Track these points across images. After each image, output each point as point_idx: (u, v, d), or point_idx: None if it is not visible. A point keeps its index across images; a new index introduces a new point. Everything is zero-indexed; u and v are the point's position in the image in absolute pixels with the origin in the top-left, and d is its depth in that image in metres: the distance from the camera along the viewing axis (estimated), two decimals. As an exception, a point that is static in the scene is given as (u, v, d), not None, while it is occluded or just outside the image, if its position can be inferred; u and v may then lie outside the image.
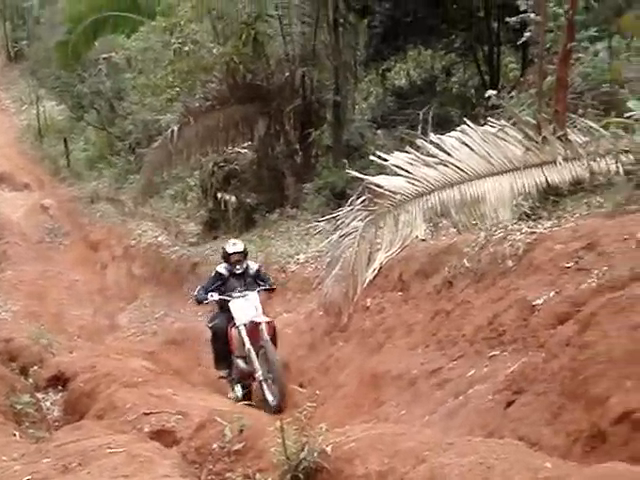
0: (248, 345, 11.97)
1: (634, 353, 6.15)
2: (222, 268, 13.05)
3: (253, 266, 13.25)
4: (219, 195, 21.84)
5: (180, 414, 9.33)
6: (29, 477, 6.61)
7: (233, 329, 12.35)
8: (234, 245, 13.23)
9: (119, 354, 13.92)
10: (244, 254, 13.13)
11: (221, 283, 12.87)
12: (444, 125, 15.48)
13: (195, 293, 13.19)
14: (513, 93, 15.88)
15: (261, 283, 13.04)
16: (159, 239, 25.03)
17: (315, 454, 5.68)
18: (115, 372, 11.54)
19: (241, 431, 6.80)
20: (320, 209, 18.31)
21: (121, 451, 7.03)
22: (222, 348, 12.69)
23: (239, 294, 12.51)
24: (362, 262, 11.51)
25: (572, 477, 4.16)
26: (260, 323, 12.07)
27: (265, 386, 11.78)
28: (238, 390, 12.30)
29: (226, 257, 13.11)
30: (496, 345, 8.96)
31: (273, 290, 13.40)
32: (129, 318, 21.57)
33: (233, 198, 21.54)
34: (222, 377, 13.08)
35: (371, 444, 5.55)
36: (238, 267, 12.89)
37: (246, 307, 12.33)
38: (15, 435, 8.70)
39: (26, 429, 9.43)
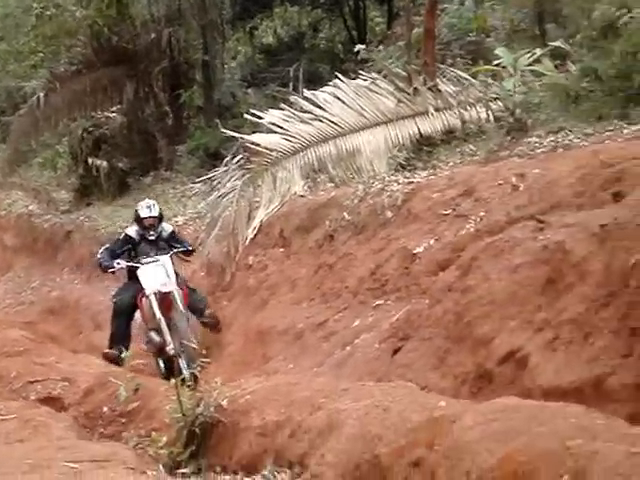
0: (159, 315, 10.43)
1: (515, 294, 6.36)
2: (132, 231, 11.40)
3: (167, 228, 11.63)
4: (90, 161, 21.32)
5: (66, 381, 9.21)
6: None
7: (144, 299, 10.74)
8: (148, 209, 11.43)
9: (-3, 326, 13.62)
10: (159, 219, 11.51)
11: (131, 247, 11.30)
12: (315, 81, 15.57)
13: (99, 256, 11.37)
14: (381, 47, 16.00)
15: (177, 246, 11.35)
16: (30, 208, 24.43)
17: (211, 409, 5.72)
18: (-5, 344, 11.29)
19: (136, 390, 6.75)
20: (195, 170, 18.15)
21: (13, 417, 6.96)
22: (122, 325, 11.16)
23: (149, 259, 10.95)
24: (242, 221, 11.54)
25: (468, 413, 4.27)
26: (171, 292, 10.60)
27: (179, 361, 10.35)
28: (161, 365, 10.80)
29: (138, 220, 11.39)
30: (380, 295, 9.13)
31: (191, 252, 11.54)
32: (4, 289, 21.07)
33: (104, 163, 21.10)
34: (107, 354, 10.96)
35: (266, 395, 5.62)
36: (152, 232, 11.25)
37: (156, 273, 10.74)
38: None
39: None
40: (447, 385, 6.45)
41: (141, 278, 10.74)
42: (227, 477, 5.57)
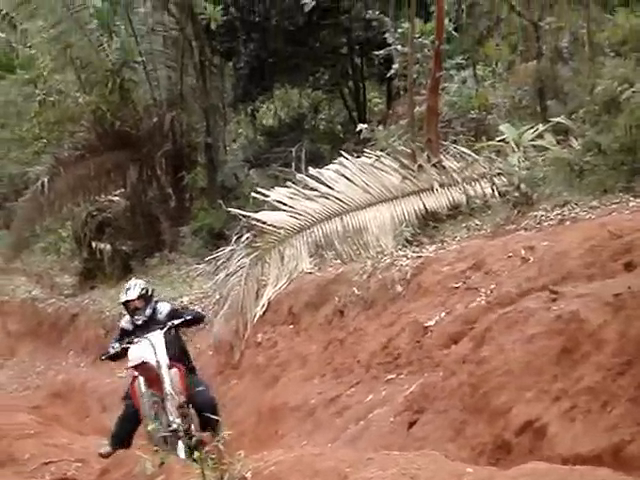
0: (143, 390, 9.26)
1: (531, 364, 6.39)
2: (125, 321, 10.19)
3: (163, 309, 10.12)
4: (93, 244, 21.57)
5: (80, 462, 9.21)
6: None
7: (135, 381, 9.46)
8: (127, 291, 10.03)
9: (3, 410, 13.57)
10: (144, 298, 9.99)
11: (129, 340, 9.74)
12: (316, 161, 15.73)
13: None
14: (381, 127, 16.18)
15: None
16: (33, 293, 24.59)
17: (236, 481, 5.68)
18: (4, 427, 11.21)
19: (162, 464, 6.58)
20: (199, 251, 18.26)
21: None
22: (125, 431, 9.78)
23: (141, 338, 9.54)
24: (251, 298, 11.63)
25: (496, 479, 4.30)
26: (156, 364, 9.24)
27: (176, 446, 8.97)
28: (181, 448, 9.02)
29: (125, 308, 10.10)
30: (392, 369, 9.14)
31: (196, 320, 10.22)
32: (8, 375, 21.01)
33: (108, 246, 21.31)
34: (101, 454, 9.55)
35: (291, 466, 5.57)
36: (137, 317, 9.89)
37: (140, 349, 9.38)
38: None
39: None
40: (465, 456, 6.42)
41: (129, 356, 9.52)
42: None
